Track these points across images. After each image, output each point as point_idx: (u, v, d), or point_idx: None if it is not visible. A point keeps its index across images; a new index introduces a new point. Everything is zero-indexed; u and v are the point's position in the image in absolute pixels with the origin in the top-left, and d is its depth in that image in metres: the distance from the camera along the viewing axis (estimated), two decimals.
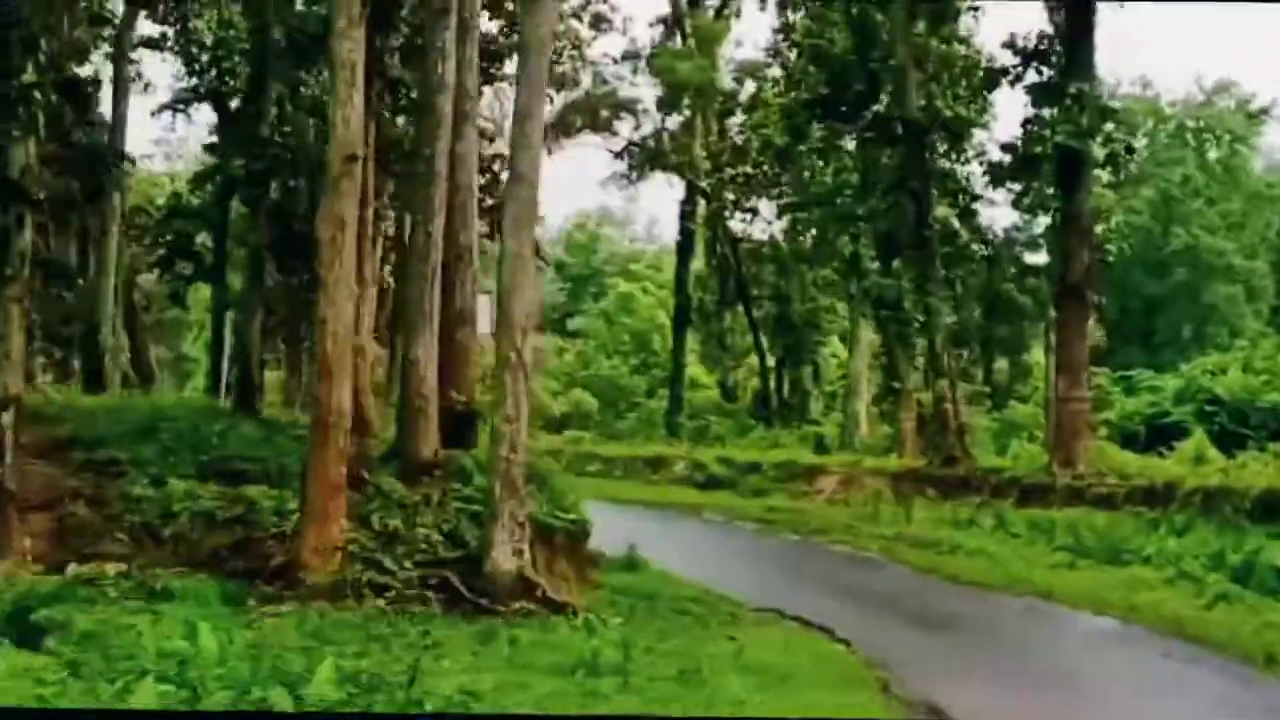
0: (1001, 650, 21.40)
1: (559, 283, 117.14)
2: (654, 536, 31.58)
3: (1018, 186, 41.95)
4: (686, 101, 68.64)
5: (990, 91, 45.31)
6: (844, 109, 45.61)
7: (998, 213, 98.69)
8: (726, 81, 68.79)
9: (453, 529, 22.47)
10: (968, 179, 48.22)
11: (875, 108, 42.43)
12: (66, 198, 41.46)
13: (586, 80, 67.09)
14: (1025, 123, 39.98)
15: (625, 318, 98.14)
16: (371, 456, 25.52)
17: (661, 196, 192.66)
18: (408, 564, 21.30)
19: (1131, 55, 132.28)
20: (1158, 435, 46.19)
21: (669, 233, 77.42)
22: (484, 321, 27.36)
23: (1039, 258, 56.68)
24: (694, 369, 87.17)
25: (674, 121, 71.14)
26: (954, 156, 45.60)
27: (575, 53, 64.27)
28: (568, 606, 21.24)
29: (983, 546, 31.03)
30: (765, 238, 69.85)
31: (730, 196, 67.81)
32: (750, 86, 67.54)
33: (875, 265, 49.65)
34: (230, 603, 19.74)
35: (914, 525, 34.56)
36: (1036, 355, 65.10)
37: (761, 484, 42.36)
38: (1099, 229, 44.12)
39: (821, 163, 56.27)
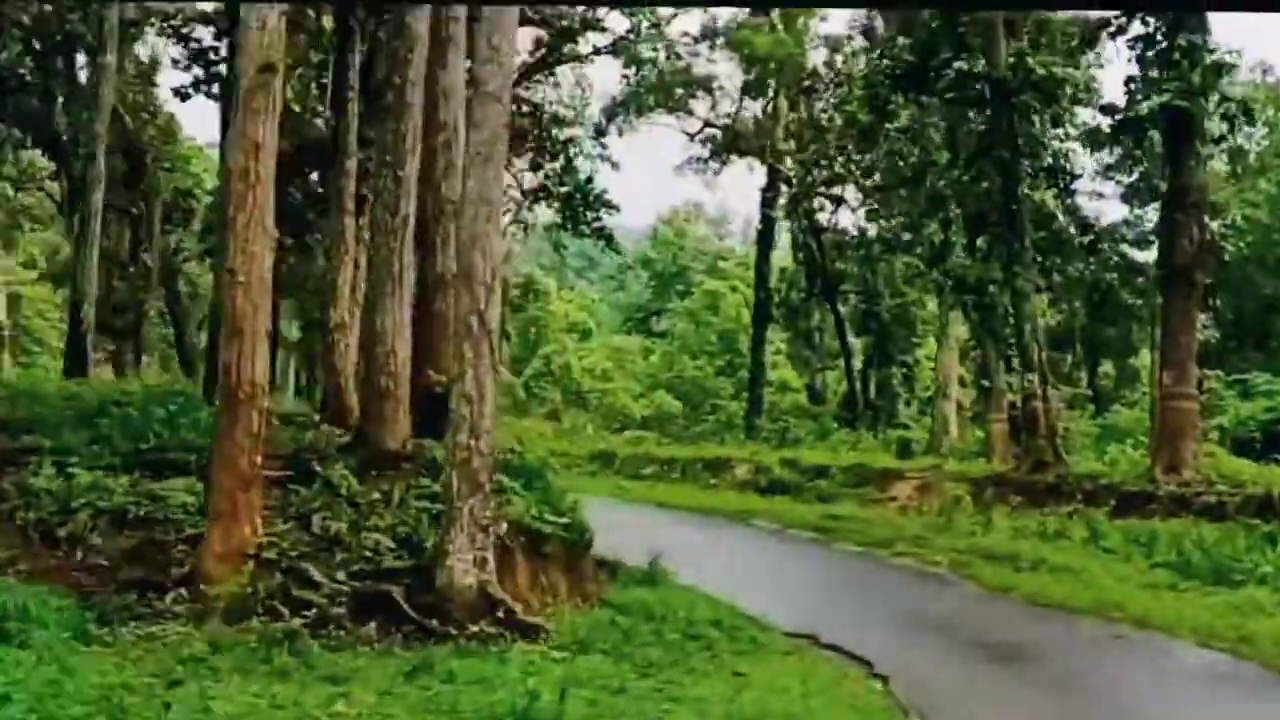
0: (1080, 689, 17.28)
1: (644, 280, 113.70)
2: (692, 546, 27.88)
3: (1116, 154, 37.26)
4: (770, 82, 64.46)
5: (1089, 48, 40.75)
6: (930, 77, 40.89)
7: (1105, 206, 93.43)
8: (811, 57, 64.24)
9: (410, 533, 18.62)
10: (1067, 156, 43.60)
11: (958, 65, 37.62)
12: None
13: (660, 57, 62.94)
14: (1128, 81, 35.45)
15: (711, 317, 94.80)
16: (329, 445, 21.63)
17: (748, 186, 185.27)
18: (341, 575, 17.33)
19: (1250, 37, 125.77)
20: (1275, 443, 41.37)
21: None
22: None
23: (1150, 255, 52.21)
24: (784, 372, 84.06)
25: (754, 103, 67.03)
26: (1047, 122, 40.72)
27: (654, 31, 60.44)
28: (540, 630, 17.16)
29: (1069, 562, 26.62)
30: (852, 228, 65.28)
31: (812, 181, 63.06)
32: (836, 63, 62.97)
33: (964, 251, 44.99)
34: (107, 623, 15.90)
35: (992, 536, 30.20)
36: (1146, 359, 60.24)
37: (830, 489, 38.14)
38: (1215, 224, 39.40)
39: (909, 143, 51.57)
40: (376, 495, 19.51)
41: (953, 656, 19.06)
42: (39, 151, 51.12)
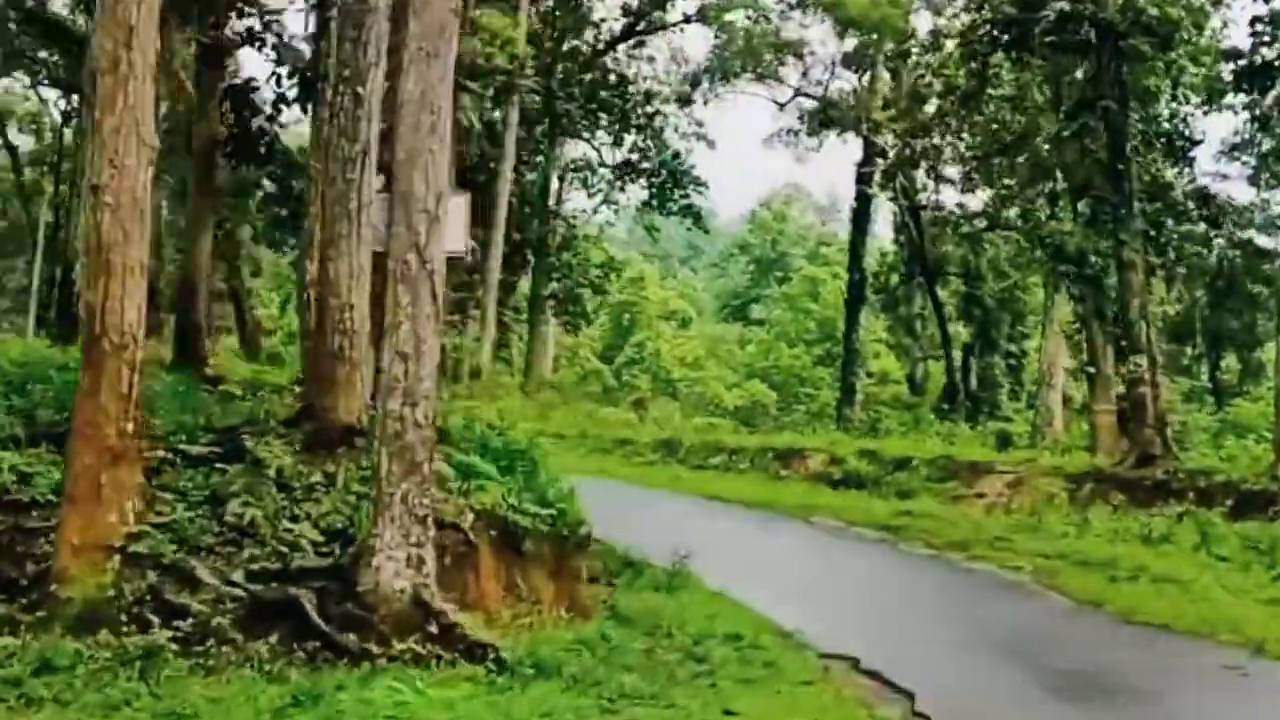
0: None
1: (741, 265, 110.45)
2: (736, 545, 24.67)
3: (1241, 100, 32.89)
4: (870, 52, 60.37)
5: None
6: (1031, 30, 36.59)
7: (1230, 188, 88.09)
8: (912, 21, 59.87)
9: (347, 524, 14.97)
10: (1185, 120, 39.33)
11: (1060, 5, 33.30)
12: None
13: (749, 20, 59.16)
14: (1254, 21, 31.23)
15: (810, 304, 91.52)
16: (269, 417, 18.14)
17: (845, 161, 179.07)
18: (237, 576, 13.77)
19: None
20: None
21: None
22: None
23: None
24: (886, 361, 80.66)
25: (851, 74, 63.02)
26: (1161, 73, 36.38)
27: None
28: (487, 650, 13.60)
29: (1175, 571, 22.50)
30: (952, 205, 60.90)
31: (910, 153, 58.64)
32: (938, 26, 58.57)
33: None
34: None
35: (1087, 539, 26.04)
36: (1271, 353, 55.69)
37: (909, 483, 34.14)
38: None
39: (1011, 110, 47.30)
40: (318, 478, 15.97)
41: (1016, 690, 15.25)
42: None
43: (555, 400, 55.19)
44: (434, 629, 13.60)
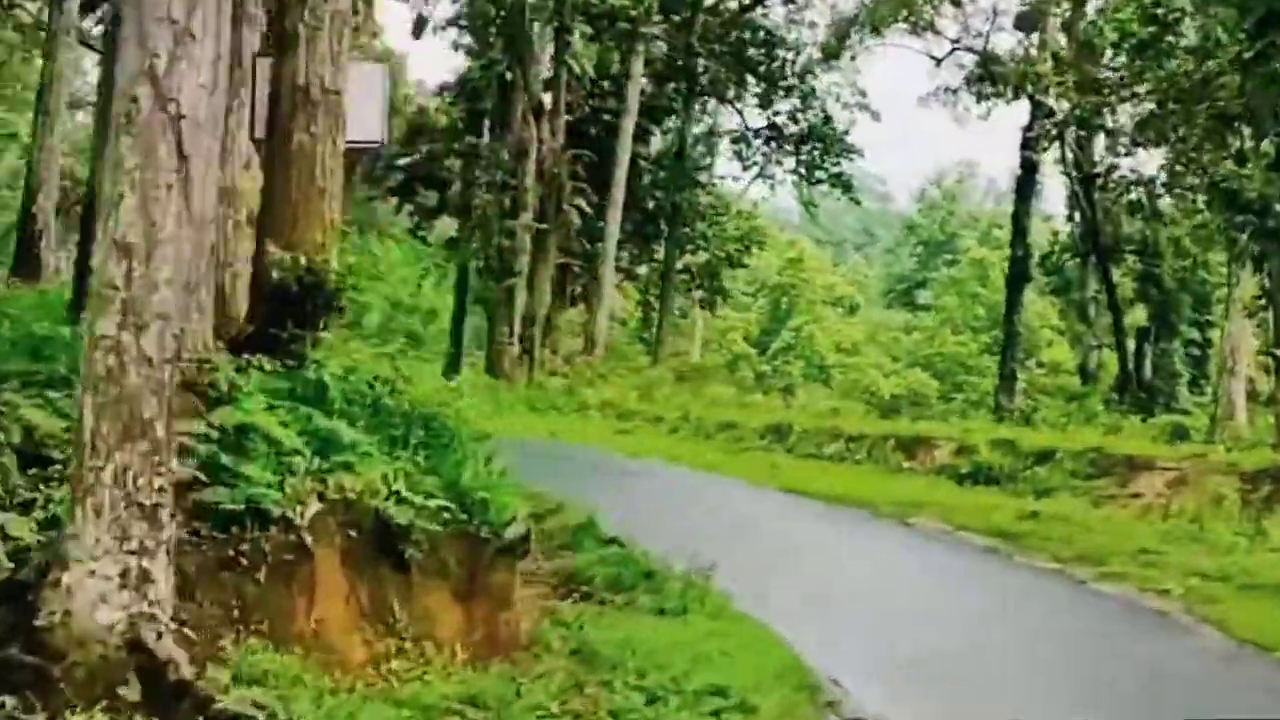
0: None
1: (910, 248, 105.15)
2: (796, 554, 19.71)
3: None
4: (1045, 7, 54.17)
5: None
6: None
7: None
8: None
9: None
10: None
11: None
12: None
13: None
14: None
15: (979, 288, 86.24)
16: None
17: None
18: None
19: None
20: None
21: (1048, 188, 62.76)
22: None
23: None
24: (1058, 350, 76.03)
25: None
26: None
27: None
28: None
29: None
30: (1127, 170, 54.46)
31: (1081, 111, 52.13)
32: None
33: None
34: None
35: (1260, 554, 20.12)
36: None
37: (1050, 479, 28.32)
38: None
39: (1196, 61, 41.12)
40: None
41: None
42: None
43: (662, 379, 50.12)
44: (159, 689, 8.55)
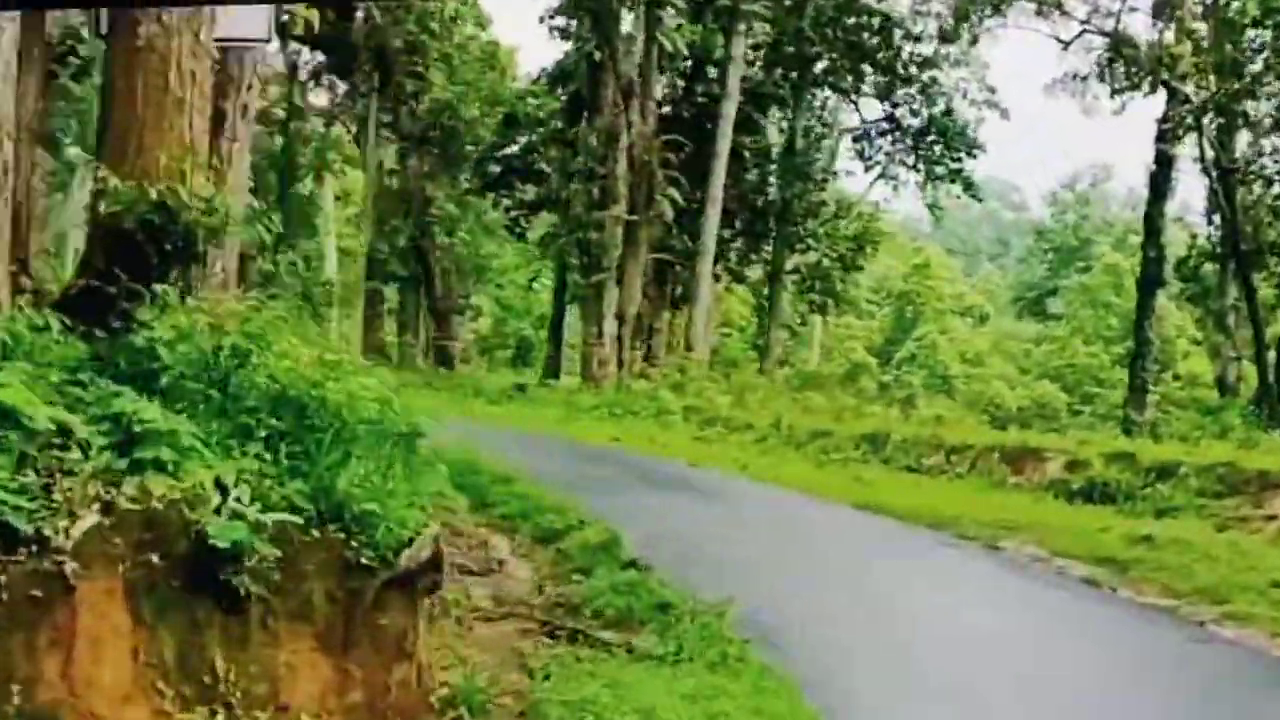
0: None
1: (1040, 255, 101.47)
2: (850, 588, 16.41)
3: None
4: None
5: None
6: None
7: None
8: None
9: None
10: None
11: None
12: None
13: None
14: None
15: (1112, 296, 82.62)
16: None
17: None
18: None
19: None
20: None
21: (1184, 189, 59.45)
22: None
23: None
24: (1196, 362, 72.89)
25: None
26: None
27: None
28: None
29: None
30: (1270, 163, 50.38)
31: (1221, 97, 48.12)
32: None
33: None
34: None
35: None
36: None
37: (1173, 498, 24.71)
38: None
39: None
40: None
41: None
42: None
43: (756, 384, 46.97)
44: None
